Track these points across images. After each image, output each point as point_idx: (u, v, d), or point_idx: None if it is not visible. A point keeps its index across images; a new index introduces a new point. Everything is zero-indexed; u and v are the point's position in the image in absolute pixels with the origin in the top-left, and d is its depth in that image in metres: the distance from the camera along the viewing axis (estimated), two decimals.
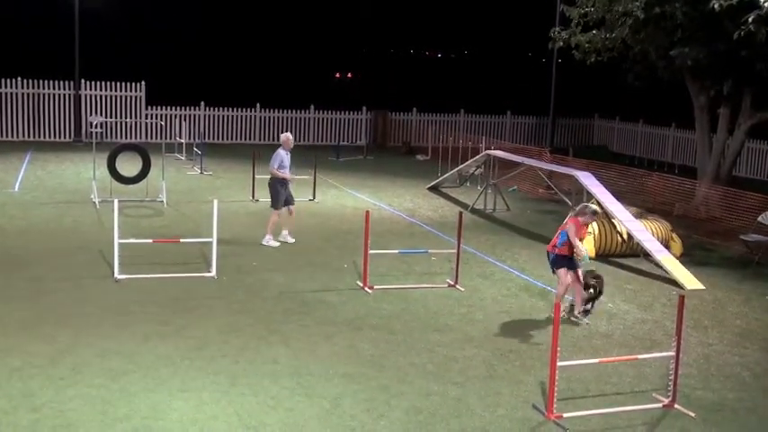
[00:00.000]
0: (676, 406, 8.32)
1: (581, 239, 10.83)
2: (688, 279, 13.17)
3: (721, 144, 20.50)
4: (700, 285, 13.05)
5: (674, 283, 13.10)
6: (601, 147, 31.25)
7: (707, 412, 8.30)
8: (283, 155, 14.28)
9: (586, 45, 20.08)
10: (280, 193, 14.28)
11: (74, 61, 27.23)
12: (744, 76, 18.77)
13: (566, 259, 10.81)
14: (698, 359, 9.83)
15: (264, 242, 14.34)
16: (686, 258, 14.62)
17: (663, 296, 12.43)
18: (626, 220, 14.62)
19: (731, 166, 20.84)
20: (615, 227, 14.78)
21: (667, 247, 14.62)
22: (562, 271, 10.82)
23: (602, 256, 14.54)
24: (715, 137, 20.80)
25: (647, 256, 14.21)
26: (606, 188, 15.89)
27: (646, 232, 14.47)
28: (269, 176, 14.40)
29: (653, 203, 19.10)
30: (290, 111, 29.82)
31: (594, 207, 11.19)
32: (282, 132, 15.92)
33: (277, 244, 14.37)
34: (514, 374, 9.01)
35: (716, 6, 15.91)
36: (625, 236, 14.68)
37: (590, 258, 14.14)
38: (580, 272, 10.95)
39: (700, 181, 20.00)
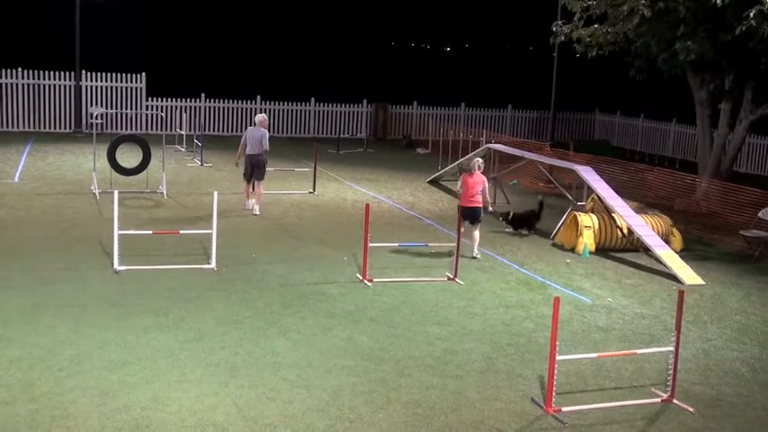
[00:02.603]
0: (675, 401, 8.33)
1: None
2: (688, 274, 13.17)
3: (722, 139, 20.48)
4: (699, 281, 13.06)
5: (674, 278, 13.10)
6: (602, 141, 31.24)
7: (705, 407, 8.31)
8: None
9: (588, 39, 20.05)
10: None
11: (74, 52, 27.19)
12: (745, 70, 18.74)
13: None
14: (697, 354, 9.84)
15: (258, 212, 16.13)
16: (686, 253, 14.61)
17: (662, 291, 12.44)
18: (626, 215, 14.62)
19: (732, 161, 20.83)
20: (615, 221, 14.77)
21: (667, 242, 14.62)
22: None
23: (603, 250, 14.53)
24: (716, 132, 20.78)
25: (646, 250, 14.21)
26: (607, 183, 15.88)
27: (646, 227, 14.46)
28: (258, 153, 16.11)
29: (653, 198, 19.10)
30: (290, 103, 29.78)
31: (478, 158, 14.41)
32: (261, 113, 17.51)
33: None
34: (513, 368, 9.01)
35: (717, 1, 15.90)
36: (625, 230, 14.67)
37: (590, 253, 14.24)
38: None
39: (700, 176, 19.99)
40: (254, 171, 16.26)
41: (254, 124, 16.64)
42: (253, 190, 16.47)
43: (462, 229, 12.96)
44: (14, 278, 11.15)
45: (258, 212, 16.13)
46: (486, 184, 13.90)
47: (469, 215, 13.60)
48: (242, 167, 16.68)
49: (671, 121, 29.16)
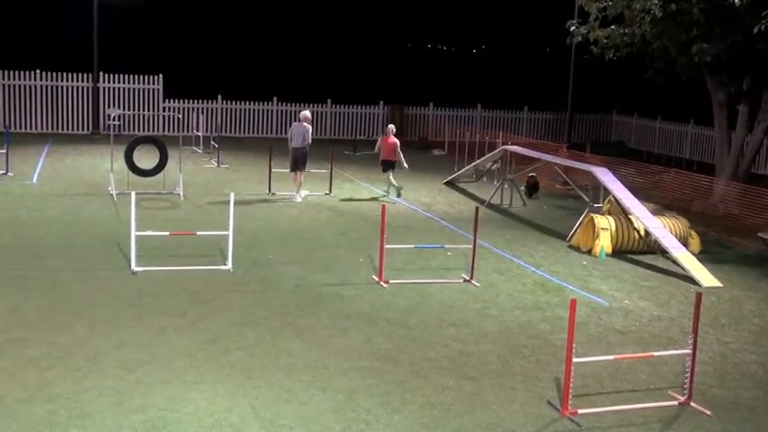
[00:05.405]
0: (692, 404, 8.28)
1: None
2: (705, 276, 13.10)
3: (740, 141, 20.37)
4: (717, 283, 12.98)
5: (691, 280, 13.04)
6: (618, 143, 31.14)
7: (723, 410, 8.25)
8: None
9: (605, 40, 20.01)
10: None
11: (92, 54, 27.35)
12: (763, 72, 18.64)
13: None
14: (714, 357, 9.78)
15: (301, 197, 17.86)
16: (704, 255, 14.54)
17: (680, 293, 12.37)
18: (643, 216, 14.56)
19: (750, 163, 20.71)
20: (632, 223, 14.71)
21: (686, 244, 14.55)
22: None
23: (619, 252, 14.48)
24: (734, 134, 20.67)
25: (664, 252, 14.14)
26: (623, 184, 15.82)
27: (663, 229, 14.39)
28: (302, 147, 17.67)
29: (670, 200, 19.02)
30: (306, 105, 29.81)
31: (391, 125, 19.60)
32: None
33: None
34: (529, 370, 8.99)
35: (736, 1, 15.82)
36: (642, 232, 14.61)
37: (607, 255, 14.19)
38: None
39: (718, 178, 19.89)
40: (299, 162, 17.75)
41: (299, 120, 18.08)
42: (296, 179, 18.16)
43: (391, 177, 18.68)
44: (32, 278, 11.22)
45: (301, 199, 17.85)
46: (398, 145, 18.71)
47: (390, 165, 18.76)
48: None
49: (688, 123, 29.02)
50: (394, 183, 18.88)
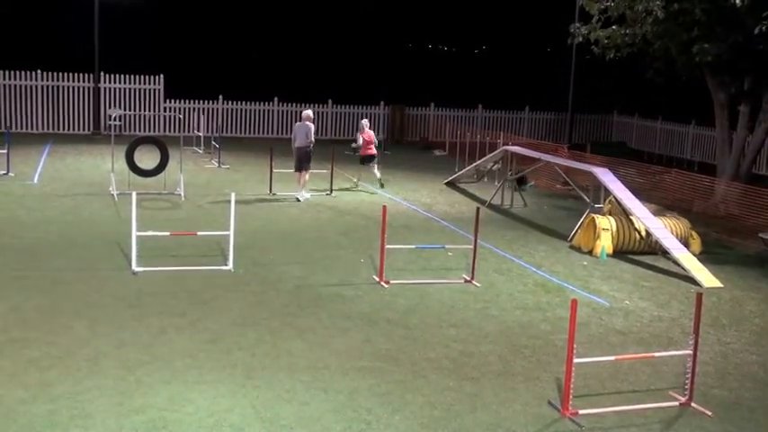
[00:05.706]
0: (693, 404, 8.28)
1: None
2: (706, 277, 13.09)
3: (741, 141, 20.36)
4: (718, 283, 12.97)
5: (692, 280, 13.03)
6: (619, 143, 31.12)
7: (724, 411, 8.25)
8: None
9: (606, 41, 20.00)
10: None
11: (93, 54, 27.36)
12: (764, 72, 18.64)
13: None
14: (715, 357, 9.78)
15: (302, 198, 17.85)
16: (704, 256, 14.53)
17: (680, 294, 12.37)
18: (644, 217, 14.55)
19: (751, 163, 20.70)
20: (633, 224, 14.71)
21: (687, 244, 14.54)
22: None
23: (620, 252, 14.47)
24: (735, 134, 20.66)
25: (665, 253, 14.13)
26: (624, 185, 15.81)
27: (664, 229, 14.38)
28: (306, 146, 17.77)
29: (671, 201, 19.01)
30: (307, 105, 29.78)
31: (364, 120, 20.57)
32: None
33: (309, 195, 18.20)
34: (530, 370, 8.98)
35: (737, 1, 15.82)
36: (643, 233, 14.60)
37: (608, 255, 14.19)
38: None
39: (719, 178, 19.88)
40: (303, 162, 17.86)
41: (301, 120, 18.27)
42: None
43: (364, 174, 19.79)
44: (33, 278, 11.22)
45: (302, 200, 17.79)
46: (373, 134, 20.16)
47: (370, 159, 19.89)
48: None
49: (689, 123, 29.00)
50: (378, 175, 19.98)
